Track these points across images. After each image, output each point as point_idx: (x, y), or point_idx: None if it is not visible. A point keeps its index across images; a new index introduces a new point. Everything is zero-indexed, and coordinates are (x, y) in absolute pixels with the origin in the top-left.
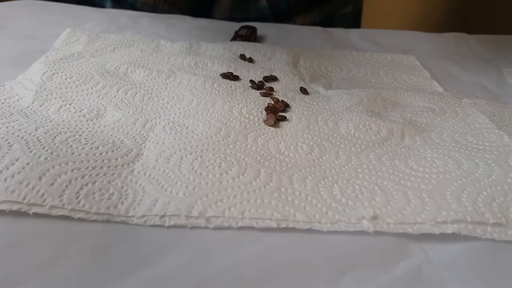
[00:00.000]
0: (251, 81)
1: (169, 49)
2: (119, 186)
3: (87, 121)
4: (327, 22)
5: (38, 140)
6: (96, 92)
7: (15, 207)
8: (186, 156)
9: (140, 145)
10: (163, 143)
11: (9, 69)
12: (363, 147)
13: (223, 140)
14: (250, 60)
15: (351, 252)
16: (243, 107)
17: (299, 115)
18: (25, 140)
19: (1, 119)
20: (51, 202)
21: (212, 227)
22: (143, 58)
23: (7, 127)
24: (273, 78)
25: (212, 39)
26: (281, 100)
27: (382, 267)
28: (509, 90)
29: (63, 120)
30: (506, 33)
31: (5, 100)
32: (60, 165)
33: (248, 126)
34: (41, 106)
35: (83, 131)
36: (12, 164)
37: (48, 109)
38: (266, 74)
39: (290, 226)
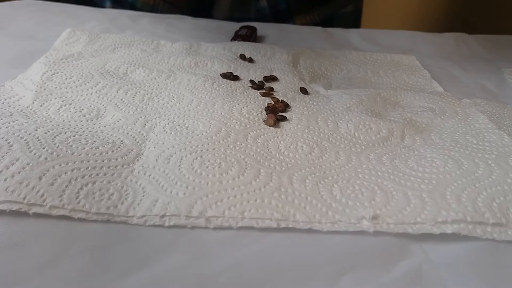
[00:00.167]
0: (251, 81)
1: (169, 49)
2: (119, 186)
3: (87, 121)
4: (327, 22)
5: (38, 140)
6: (96, 92)
7: (15, 207)
8: (186, 156)
9: (140, 145)
10: (163, 143)
11: (9, 69)
12: (363, 147)
13: (223, 140)
14: (250, 60)
15: (351, 252)
16: (243, 107)
17: (299, 115)
18: (25, 140)
19: (1, 119)
20: (51, 202)
21: (212, 227)
22: (143, 58)
23: (7, 127)
24: (273, 78)
25: (212, 39)
26: (281, 100)
27: (382, 267)
28: (509, 90)
29: (63, 120)
30: (506, 33)
31: (5, 100)
32: (60, 165)
33: (248, 126)
34: (41, 106)
35: (83, 131)
36: (12, 164)
37: (48, 109)
38: (266, 74)
39: (290, 226)
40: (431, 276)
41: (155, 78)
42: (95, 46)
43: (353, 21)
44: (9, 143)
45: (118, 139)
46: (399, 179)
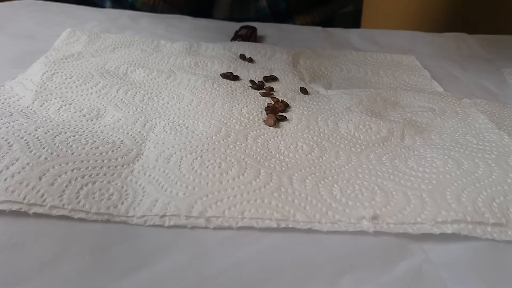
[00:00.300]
0: (251, 81)
1: (169, 49)
2: (119, 186)
3: (87, 121)
4: (327, 22)
5: (38, 140)
6: (96, 92)
7: (15, 207)
8: (186, 156)
9: (140, 145)
10: (163, 143)
11: (9, 69)
12: (363, 147)
13: (223, 140)
14: (250, 60)
15: (351, 252)
16: (243, 107)
17: (299, 115)
18: (25, 140)
19: (1, 119)
20: (51, 202)
21: (212, 227)
22: (143, 58)
23: (7, 127)
24: (273, 78)
25: (212, 39)
26: (281, 100)
27: (382, 267)
28: (509, 90)
29: (63, 120)
30: (506, 33)
31: (5, 100)
32: (60, 165)
33: (248, 126)
34: (41, 106)
35: (83, 131)
36: (12, 164)
37: (48, 109)
38: (266, 74)
39: (290, 226)
40: (431, 276)
41: (155, 78)
42: (95, 46)
43: (353, 21)
44: (9, 143)
45: (118, 139)
46: (399, 179)
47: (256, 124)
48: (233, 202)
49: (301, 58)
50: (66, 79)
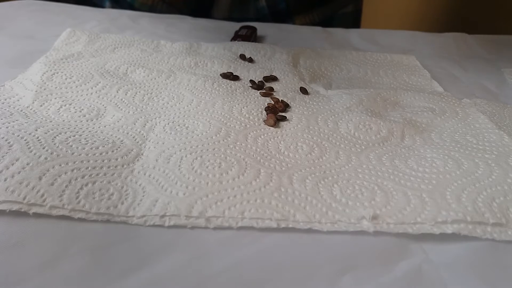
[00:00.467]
0: (251, 81)
1: (169, 49)
2: (119, 186)
3: (87, 121)
4: (327, 22)
5: (38, 140)
6: (96, 92)
7: (15, 207)
8: (186, 156)
9: (140, 145)
10: (163, 143)
11: (9, 69)
12: (363, 147)
13: (223, 140)
14: (250, 60)
15: (351, 252)
16: (243, 107)
17: (299, 115)
18: (25, 140)
19: (1, 119)
20: (51, 202)
21: (212, 227)
22: (143, 58)
23: (7, 127)
24: (273, 78)
25: (212, 39)
26: (281, 100)
27: (382, 267)
28: (509, 90)
29: (63, 120)
30: (506, 33)
31: (5, 100)
32: (60, 165)
33: (248, 126)
34: (41, 106)
35: (83, 131)
36: (12, 164)
37: (48, 109)
38: (266, 74)
39: (290, 226)
40: (431, 276)
41: (155, 78)
42: (95, 46)
43: (353, 21)
44: (9, 143)
45: (118, 139)
46: (399, 179)
47: (256, 124)
48: (233, 202)
49: (301, 58)
50: (66, 79)
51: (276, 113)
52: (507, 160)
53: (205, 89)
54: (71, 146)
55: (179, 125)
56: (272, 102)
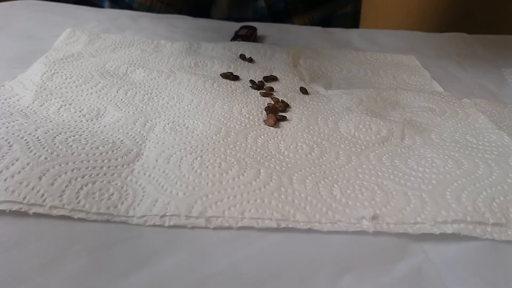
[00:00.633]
0: (251, 81)
1: (169, 49)
2: (119, 186)
3: (87, 121)
4: (326, 22)
5: (38, 140)
6: (96, 92)
7: (15, 207)
8: (186, 156)
9: (140, 145)
10: (163, 143)
11: (9, 69)
12: (363, 147)
13: (223, 140)
14: (250, 60)
15: (351, 252)
16: (243, 107)
17: (299, 115)
18: (25, 140)
19: (1, 119)
20: (51, 202)
21: (212, 227)
22: (143, 58)
23: (7, 127)
24: (273, 78)
25: (212, 39)
26: (281, 100)
27: (382, 267)
28: (509, 90)
29: (63, 120)
30: (506, 33)
31: (5, 100)
32: (60, 165)
33: (248, 126)
34: (41, 106)
35: (83, 131)
36: (12, 164)
37: (48, 109)
38: (266, 74)
39: (290, 226)
40: (431, 276)
41: (155, 78)
42: (95, 46)
43: (352, 21)
44: (9, 143)
45: (118, 139)
46: (399, 179)
47: (256, 124)
48: (233, 202)
49: (301, 58)
50: (66, 79)
51: (276, 113)
52: (507, 160)
53: (205, 89)
54: (71, 146)
55: (179, 125)
56: (272, 102)
